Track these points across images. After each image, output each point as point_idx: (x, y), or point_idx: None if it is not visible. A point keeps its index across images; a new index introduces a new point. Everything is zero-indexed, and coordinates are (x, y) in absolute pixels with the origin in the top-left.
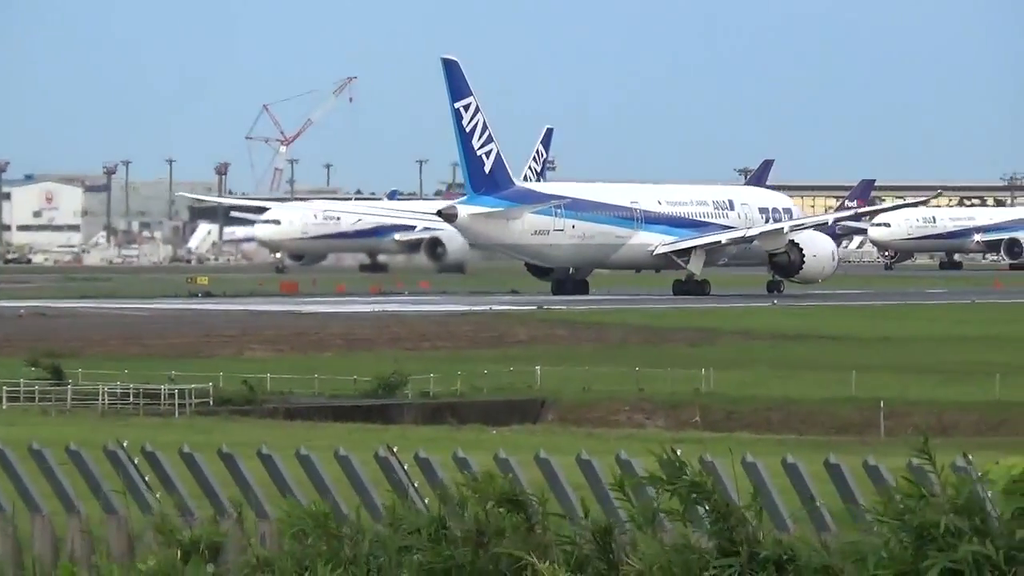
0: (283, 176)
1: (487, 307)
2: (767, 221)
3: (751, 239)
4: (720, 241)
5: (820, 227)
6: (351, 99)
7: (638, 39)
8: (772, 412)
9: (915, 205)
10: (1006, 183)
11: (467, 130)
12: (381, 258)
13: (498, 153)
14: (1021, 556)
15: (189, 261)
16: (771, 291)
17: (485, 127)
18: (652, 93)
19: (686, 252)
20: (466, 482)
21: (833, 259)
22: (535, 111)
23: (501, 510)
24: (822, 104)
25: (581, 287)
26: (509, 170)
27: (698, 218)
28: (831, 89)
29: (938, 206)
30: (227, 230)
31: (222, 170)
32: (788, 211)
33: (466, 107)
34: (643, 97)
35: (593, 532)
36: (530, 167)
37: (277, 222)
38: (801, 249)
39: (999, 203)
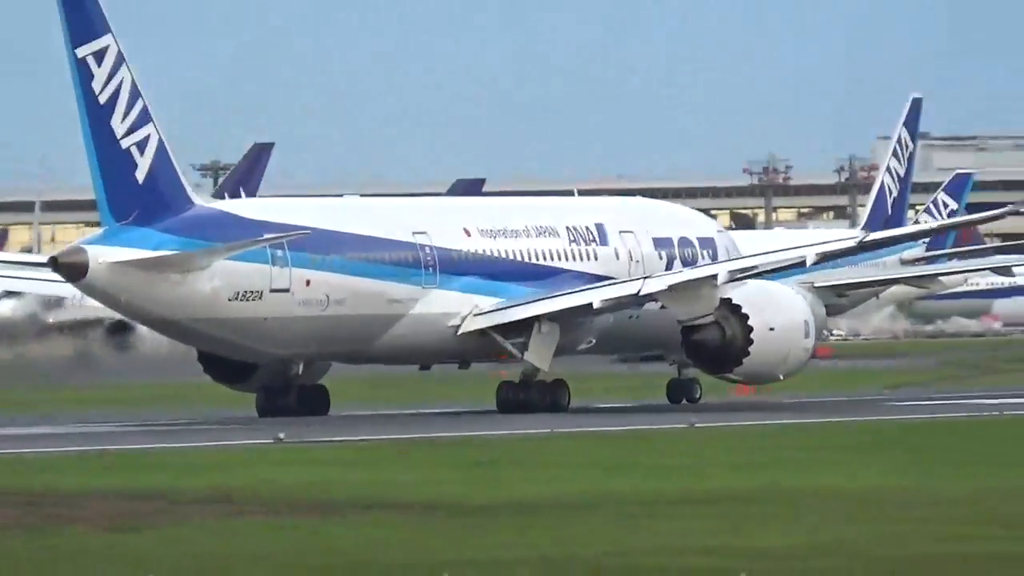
0: None
1: None
2: (670, 261)
3: (647, 298)
4: (591, 304)
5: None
6: None
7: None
8: None
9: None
10: (839, 178)
11: (100, 101)
12: None
13: (161, 144)
14: None
15: None
16: (679, 399)
17: (136, 95)
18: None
19: (521, 327)
20: None
21: (806, 335)
22: None
23: None
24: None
25: (315, 399)
26: (183, 177)
27: (541, 260)
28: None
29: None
30: None
31: None
32: (708, 242)
33: (98, 56)
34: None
35: None
36: None
37: None
38: (745, 316)
39: (843, 215)
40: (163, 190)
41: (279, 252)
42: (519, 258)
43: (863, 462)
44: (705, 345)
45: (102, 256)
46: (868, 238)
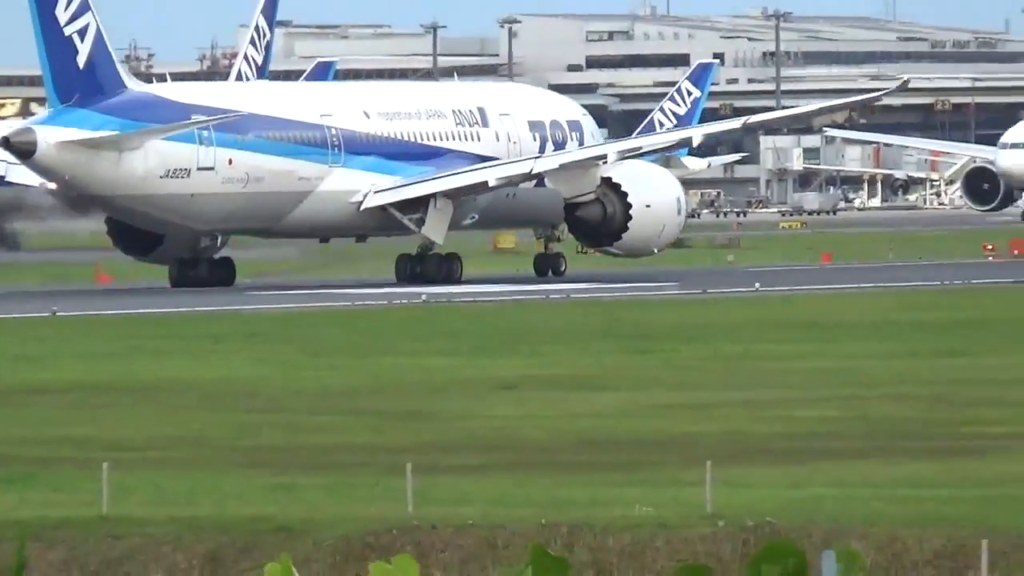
0: None
1: None
2: (543, 143)
3: (537, 176)
4: (486, 182)
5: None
6: None
7: None
8: None
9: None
10: (202, 66)
11: None
12: None
13: (99, 33)
14: None
15: None
16: (545, 271)
17: None
18: None
19: (417, 204)
20: None
21: (679, 212)
22: None
23: None
24: None
25: (222, 270)
26: (117, 63)
27: (433, 141)
28: None
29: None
30: None
31: None
32: (576, 125)
33: None
34: None
35: None
36: None
37: None
38: (625, 194)
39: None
40: (101, 74)
41: (205, 133)
42: (412, 139)
43: (224, 352)
44: (587, 221)
45: (49, 136)
46: (751, 120)
